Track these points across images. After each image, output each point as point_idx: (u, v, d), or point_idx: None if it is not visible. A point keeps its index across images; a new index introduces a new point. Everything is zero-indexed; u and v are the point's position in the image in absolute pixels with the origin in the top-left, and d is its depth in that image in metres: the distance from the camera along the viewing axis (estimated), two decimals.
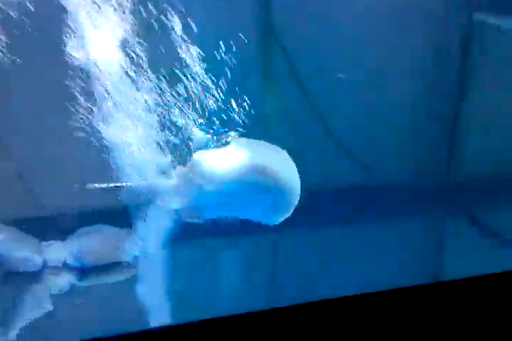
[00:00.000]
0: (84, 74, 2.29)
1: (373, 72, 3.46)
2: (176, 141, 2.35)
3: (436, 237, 3.60)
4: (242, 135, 2.31)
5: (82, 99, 2.32)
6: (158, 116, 2.36)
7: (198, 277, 2.81)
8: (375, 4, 3.35)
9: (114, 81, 2.30)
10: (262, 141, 2.32)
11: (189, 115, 2.34)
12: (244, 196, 2.21)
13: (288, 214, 2.29)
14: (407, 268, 2.97)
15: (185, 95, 2.33)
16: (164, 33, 2.31)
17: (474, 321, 2.26)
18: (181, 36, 2.32)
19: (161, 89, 2.34)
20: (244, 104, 2.38)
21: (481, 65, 3.61)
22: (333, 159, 3.59)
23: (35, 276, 2.73)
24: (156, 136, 2.37)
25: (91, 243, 2.82)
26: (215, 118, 2.33)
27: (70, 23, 2.24)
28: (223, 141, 2.29)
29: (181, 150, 2.34)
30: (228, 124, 2.33)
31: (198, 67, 2.34)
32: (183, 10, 2.32)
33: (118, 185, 2.37)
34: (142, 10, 2.29)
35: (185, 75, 2.33)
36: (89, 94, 2.31)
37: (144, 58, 2.30)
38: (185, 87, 2.33)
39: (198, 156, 2.24)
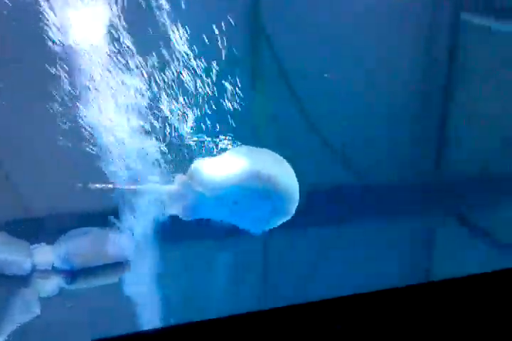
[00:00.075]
0: (68, 63, 2.25)
1: (362, 73, 3.47)
2: (174, 148, 2.34)
3: (427, 237, 3.62)
4: (233, 140, 2.30)
5: (67, 98, 2.30)
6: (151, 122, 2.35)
7: (191, 278, 2.79)
8: (364, 5, 3.36)
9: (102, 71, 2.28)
10: (264, 149, 2.32)
11: (180, 121, 2.33)
12: (243, 202, 2.21)
13: (286, 219, 2.29)
14: (402, 268, 2.98)
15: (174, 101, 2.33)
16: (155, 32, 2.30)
17: (469, 321, 2.28)
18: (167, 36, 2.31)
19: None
20: (235, 106, 2.38)
21: (469, 66, 3.65)
22: (325, 159, 3.59)
23: (24, 280, 2.70)
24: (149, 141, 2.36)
25: (80, 245, 2.79)
26: (204, 125, 2.33)
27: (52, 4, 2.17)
28: (218, 148, 2.28)
29: (180, 158, 2.34)
30: (219, 130, 2.33)
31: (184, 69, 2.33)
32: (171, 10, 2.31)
33: (109, 186, 2.35)
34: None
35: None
36: (77, 89, 2.29)
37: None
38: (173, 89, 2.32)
39: (197, 164, 2.24)
